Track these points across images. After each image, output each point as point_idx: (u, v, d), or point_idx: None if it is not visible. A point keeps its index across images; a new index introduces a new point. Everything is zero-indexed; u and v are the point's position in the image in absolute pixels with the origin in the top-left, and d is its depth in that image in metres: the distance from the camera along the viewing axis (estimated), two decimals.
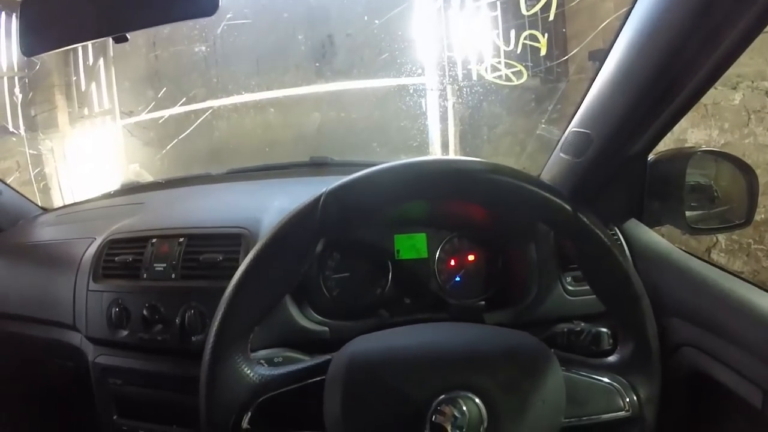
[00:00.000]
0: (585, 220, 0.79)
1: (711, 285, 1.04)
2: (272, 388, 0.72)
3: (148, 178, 3.07)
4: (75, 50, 5.17)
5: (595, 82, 1.09)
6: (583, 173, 1.19)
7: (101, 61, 5.29)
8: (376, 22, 4.79)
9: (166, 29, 5.03)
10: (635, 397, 0.79)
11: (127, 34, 0.94)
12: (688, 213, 1.16)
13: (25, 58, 4.87)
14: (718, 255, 3.31)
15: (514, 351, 0.76)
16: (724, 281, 1.03)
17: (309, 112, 5.10)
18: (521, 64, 4.50)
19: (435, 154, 4.82)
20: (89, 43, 5.00)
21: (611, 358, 0.83)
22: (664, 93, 0.97)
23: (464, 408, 0.67)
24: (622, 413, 0.78)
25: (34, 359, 1.42)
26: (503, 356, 0.74)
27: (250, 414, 0.71)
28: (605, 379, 0.79)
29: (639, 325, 0.80)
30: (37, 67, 5.02)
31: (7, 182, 1.66)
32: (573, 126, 1.18)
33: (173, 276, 1.15)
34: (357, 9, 4.97)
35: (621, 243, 1.20)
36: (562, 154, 1.24)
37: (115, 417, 1.21)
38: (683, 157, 1.17)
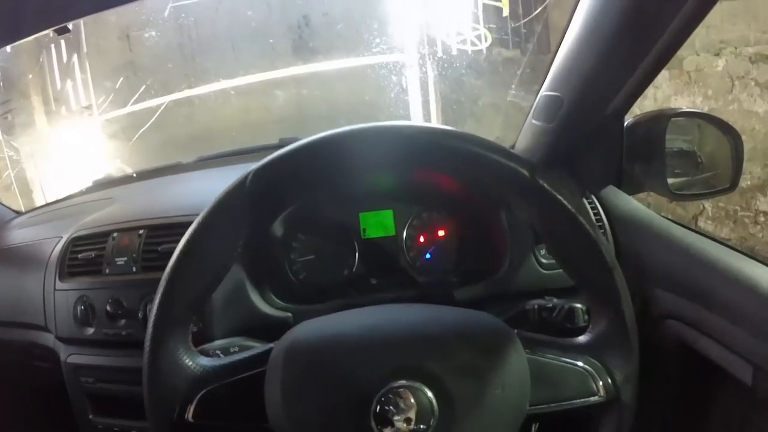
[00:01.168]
0: (544, 184, 0.73)
1: (695, 253, 1.00)
2: (215, 380, 0.69)
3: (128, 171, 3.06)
4: (48, 49, 5.13)
5: (563, 42, 1.06)
6: (556, 138, 1.18)
7: (75, 57, 5.24)
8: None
9: (140, 18, 5.03)
10: (610, 380, 0.72)
11: (69, 26, 0.93)
12: (670, 179, 1.13)
13: None
14: (705, 222, 3.37)
15: (468, 332, 0.70)
16: (710, 249, 0.99)
17: (287, 93, 5.09)
18: (485, 27, 4.50)
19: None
20: (61, 40, 4.99)
21: (582, 338, 0.76)
22: (633, 49, 0.95)
23: (412, 399, 0.63)
24: (595, 398, 0.72)
25: (12, 363, 1.42)
26: (455, 337, 0.69)
27: (193, 406, 0.68)
28: (577, 362, 0.73)
29: (612, 300, 0.74)
30: (10, 67, 4.99)
31: None
32: (543, 90, 1.16)
33: (134, 269, 1.14)
34: None
35: (597, 210, 1.18)
36: (533, 121, 1.22)
37: (90, 416, 1.21)
38: (663, 118, 1.13)
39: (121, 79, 5.15)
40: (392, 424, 0.62)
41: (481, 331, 0.71)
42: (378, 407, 0.63)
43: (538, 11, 4.27)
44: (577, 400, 0.72)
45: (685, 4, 0.84)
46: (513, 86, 4.08)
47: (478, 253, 1.23)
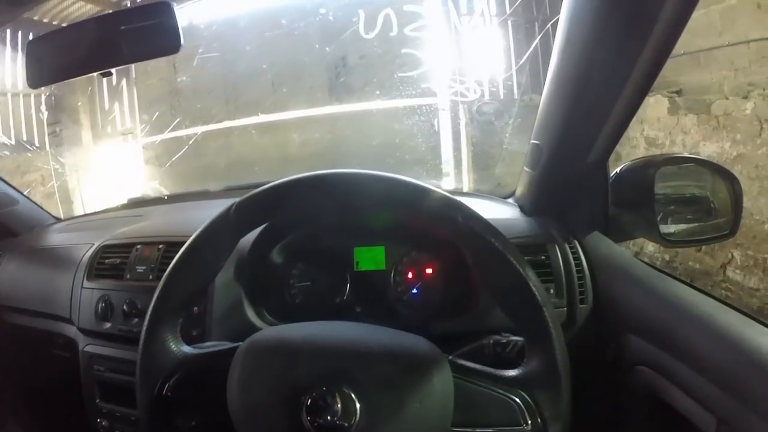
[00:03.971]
0: (473, 226, 0.80)
1: (669, 300, 1.00)
2: (190, 364, 0.83)
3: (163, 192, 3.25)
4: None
5: (543, 92, 1.10)
6: (538, 185, 1.24)
7: (124, 82, 5.55)
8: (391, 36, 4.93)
9: (187, 51, 5.27)
10: (538, 415, 0.75)
11: (113, 71, 1.12)
12: (663, 225, 1.12)
13: None
14: (734, 272, 3.27)
15: (396, 350, 0.79)
16: (685, 296, 0.99)
17: (322, 130, 5.22)
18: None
19: (447, 171, 4.94)
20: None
21: (514, 372, 0.78)
22: (598, 99, 0.99)
23: (338, 398, 0.72)
24: (518, 429, 0.75)
25: (36, 349, 1.58)
26: (383, 353, 0.78)
27: (171, 383, 0.82)
28: (507, 394, 0.76)
29: (542, 337, 0.77)
30: (63, 87, 5.30)
31: (27, 194, 1.86)
32: (531, 138, 1.20)
33: (150, 277, 1.29)
34: (369, 31, 5.09)
35: (578, 256, 1.19)
36: (525, 168, 1.27)
37: (97, 400, 1.36)
38: (652, 165, 1.13)
39: (162, 108, 5.42)
40: (320, 417, 0.72)
41: (406, 351, 0.79)
42: (309, 401, 0.73)
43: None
44: (502, 428, 0.76)
45: (640, 56, 0.88)
46: (506, 135, 4.18)
47: (459, 292, 1.26)
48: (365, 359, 0.77)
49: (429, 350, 0.79)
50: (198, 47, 5.30)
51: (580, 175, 1.17)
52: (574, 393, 0.79)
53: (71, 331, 1.43)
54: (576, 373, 0.80)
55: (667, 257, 3.73)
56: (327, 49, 5.29)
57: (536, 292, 0.77)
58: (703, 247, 3.45)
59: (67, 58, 1.12)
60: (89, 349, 1.36)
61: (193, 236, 0.87)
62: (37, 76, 1.16)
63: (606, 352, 1.11)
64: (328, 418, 0.72)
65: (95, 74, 1.15)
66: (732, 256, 3.27)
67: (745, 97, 3.21)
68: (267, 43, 5.25)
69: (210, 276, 0.91)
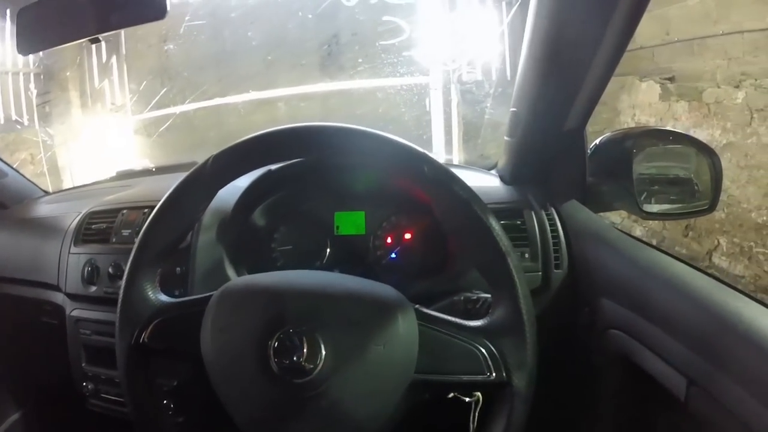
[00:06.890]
0: (439, 176, 0.81)
1: (643, 265, 1.01)
2: (167, 312, 0.86)
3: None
4: (89, 49, 5.40)
5: (521, 59, 1.10)
6: (516, 153, 1.26)
7: (114, 59, 5.51)
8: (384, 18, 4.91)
9: (177, 27, 5.25)
10: (502, 364, 0.76)
11: (100, 37, 1.15)
12: (647, 205, 1.14)
13: (41, 56, 5.13)
14: (720, 258, 3.28)
15: (361, 294, 0.81)
16: (658, 262, 1.00)
17: (313, 107, 5.19)
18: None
19: (437, 151, 4.92)
20: (100, 43, 5.26)
21: (479, 322, 0.80)
22: (571, 65, 1.01)
23: (304, 339, 0.74)
24: (482, 377, 0.76)
25: (24, 318, 1.62)
26: (349, 296, 0.80)
27: (148, 331, 0.84)
28: (472, 342, 0.77)
29: (505, 284, 0.79)
30: (53, 63, 5.29)
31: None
32: (511, 106, 1.21)
33: (135, 240, 1.31)
34: (362, 8, 5.06)
35: (555, 223, 1.21)
36: (505, 138, 1.29)
37: (83, 364, 1.40)
38: (631, 136, 1.15)
39: (145, 82, 5.41)
40: (286, 359, 0.74)
41: (371, 295, 0.81)
42: (276, 343, 0.75)
43: None
44: (464, 376, 0.77)
45: (610, 22, 0.89)
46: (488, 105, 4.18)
47: (436, 256, 1.29)
48: (331, 301, 0.80)
49: (394, 296, 0.81)
50: (185, 14, 5.27)
51: (557, 143, 1.19)
52: (548, 356, 0.82)
53: (59, 298, 1.46)
54: (550, 337, 0.83)
55: (654, 241, 3.71)
56: (318, 24, 5.25)
57: (499, 240, 0.79)
58: (690, 233, 3.48)
59: (56, 25, 1.15)
60: (75, 313, 1.40)
61: (172, 189, 0.89)
62: (27, 44, 1.21)
63: (580, 316, 1.13)
64: (294, 359, 0.74)
65: (84, 41, 1.16)
66: (718, 242, 3.29)
67: (737, 87, 3.21)
68: (257, 16, 5.24)
69: (187, 227, 0.92)
